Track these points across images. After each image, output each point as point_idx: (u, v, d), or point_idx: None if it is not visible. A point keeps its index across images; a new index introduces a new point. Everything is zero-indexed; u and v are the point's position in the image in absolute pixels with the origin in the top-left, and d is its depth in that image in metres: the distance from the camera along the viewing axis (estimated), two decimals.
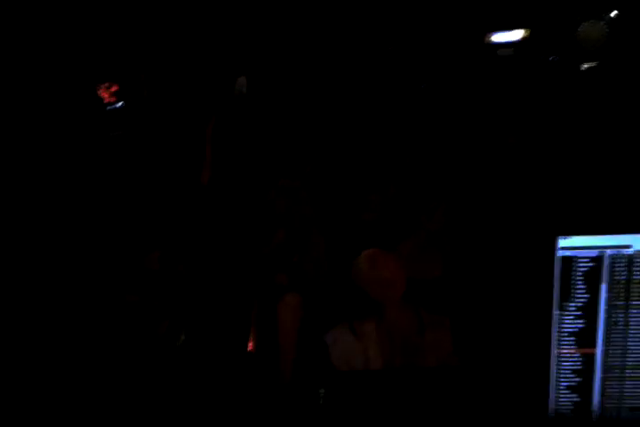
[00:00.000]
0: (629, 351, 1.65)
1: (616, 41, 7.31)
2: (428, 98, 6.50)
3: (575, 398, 1.69)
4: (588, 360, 1.67)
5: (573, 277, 1.63)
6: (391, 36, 7.14)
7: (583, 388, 1.69)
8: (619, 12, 7.32)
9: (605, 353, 1.66)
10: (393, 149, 3.95)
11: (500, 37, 7.41)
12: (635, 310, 1.64)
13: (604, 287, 1.63)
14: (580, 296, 1.64)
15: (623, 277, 1.62)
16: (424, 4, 6.97)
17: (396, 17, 7.03)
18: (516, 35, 7.44)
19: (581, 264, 1.62)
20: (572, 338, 1.66)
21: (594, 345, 1.66)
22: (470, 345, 2.02)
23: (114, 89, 5.99)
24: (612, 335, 1.65)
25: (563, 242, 1.61)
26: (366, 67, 6.76)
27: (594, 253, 1.62)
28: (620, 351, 1.66)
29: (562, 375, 1.69)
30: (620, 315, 1.64)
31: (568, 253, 1.62)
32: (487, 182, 3.19)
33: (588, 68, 7.63)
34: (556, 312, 1.65)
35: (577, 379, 1.68)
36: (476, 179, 3.29)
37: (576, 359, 1.67)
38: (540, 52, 7.57)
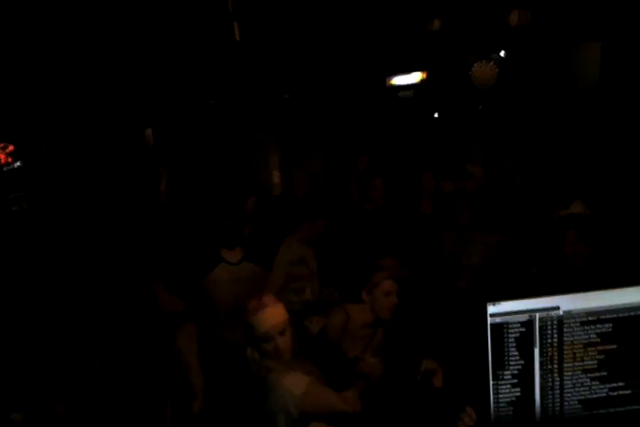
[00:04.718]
0: (568, 417, 1.61)
1: (505, 78, 7.71)
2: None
3: None
4: None
5: (506, 344, 1.57)
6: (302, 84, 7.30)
7: None
8: (505, 52, 7.73)
9: (544, 420, 1.61)
10: None
11: (400, 80, 7.67)
12: (568, 373, 1.60)
13: (536, 352, 1.59)
14: (515, 363, 1.59)
15: (555, 340, 1.58)
16: (332, 53, 7.11)
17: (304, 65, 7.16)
18: (414, 77, 7.72)
19: (512, 330, 1.57)
20: (510, 408, 1.60)
21: (532, 413, 1.61)
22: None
23: (10, 149, 5.68)
24: (549, 402, 1.61)
25: (492, 308, 1.56)
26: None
27: (523, 317, 1.57)
28: (558, 418, 1.61)
29: None
30: (556, 379, 1.60)
31: (498, 319, 1.57)
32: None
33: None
34: (492, 382, 1.59)
35: None
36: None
37: None
38: (438, 93, 7.87)
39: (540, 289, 1.57)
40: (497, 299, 1.56)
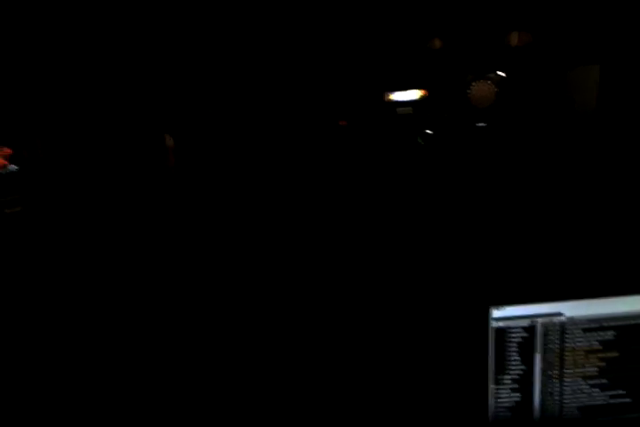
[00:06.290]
0: (566, 423, 1.61)
1: (504, 99, 7.77)
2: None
3: None
4: None
5: (507, 348, 1.58)
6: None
7: None
8: (505, 73, 7.80)
9: (542, 426, 1.61)
10: None
11: (398, 96, 7.72)
12: (569, 379, 1.60)
13: (537, 357, 1.59)
14: (515, 368, 1.59)
15: (556, 346, 1.58)
16: (326, 67, 7.15)
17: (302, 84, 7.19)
18: (414, 94, 7.78)
19: (514, 335, 1.57)
20: (508, 413, 1.60)
21: (531, 419, 1.60)
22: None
23: (6, 152, 5.66)
24: (548, 407, 1.60)
25: (495, 313, 1.56)
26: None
27: (526, 322, 1.57)
28: (556, 424, 1.61)
29: None
30: (556, 385, 1.60)
31: (501, 324, 1.57)
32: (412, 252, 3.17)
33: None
34: (491, 387, 1.59)
35: None
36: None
37: None
38: (437, 111, 7.92)
39: (544, 295, 1.57)
40: (501, 303, 1.56)
